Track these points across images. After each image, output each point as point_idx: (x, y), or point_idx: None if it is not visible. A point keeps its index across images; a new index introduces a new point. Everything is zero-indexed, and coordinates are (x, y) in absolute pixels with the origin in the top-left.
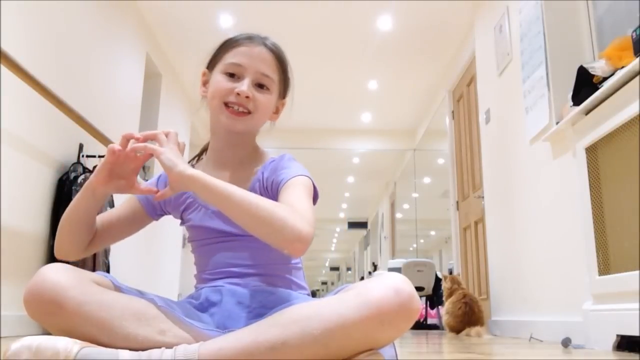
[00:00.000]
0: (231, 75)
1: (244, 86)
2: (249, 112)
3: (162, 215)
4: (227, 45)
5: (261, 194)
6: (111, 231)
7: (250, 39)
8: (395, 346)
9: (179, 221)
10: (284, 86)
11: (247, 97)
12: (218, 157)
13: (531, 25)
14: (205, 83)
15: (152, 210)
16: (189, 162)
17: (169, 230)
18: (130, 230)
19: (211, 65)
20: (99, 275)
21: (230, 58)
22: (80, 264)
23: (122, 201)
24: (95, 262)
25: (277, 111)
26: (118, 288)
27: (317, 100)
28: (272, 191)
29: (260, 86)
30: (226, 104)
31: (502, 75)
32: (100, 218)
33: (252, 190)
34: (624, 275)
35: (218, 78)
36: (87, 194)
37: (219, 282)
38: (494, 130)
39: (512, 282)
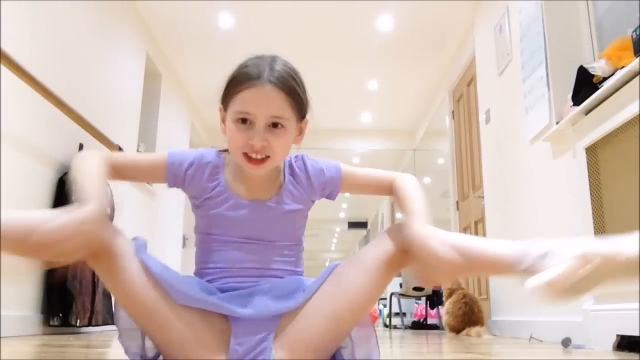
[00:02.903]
0: (243, 121)
1: (256, 139)
2: (268, 157)
3: (175, 187)
4: (232, 89)
5: (294, 201)
6: (126, 173)
7: (255, 78)
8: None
9: (180, 217)
10: (301, 110)
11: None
12: (240, 173)
13: (531, 25)
14: (223, 119)
15: (172, 178)
16: (218, 150)
17: (169, 230)
18: (142, 179)
19: (224, 102)
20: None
21: (237, 106)
22: (80, 263)
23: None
24: None
25: (300, 132)
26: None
27: (317, 100)
28: (325, 190)
29: (274, 125)
30: (245, 154)
31: (502, 75)
32: (124, 157)
33: (281, 201)
34: None
35: (231, 127)
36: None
37: (230, 280)
38: (494, 130)
39: (512, 282)
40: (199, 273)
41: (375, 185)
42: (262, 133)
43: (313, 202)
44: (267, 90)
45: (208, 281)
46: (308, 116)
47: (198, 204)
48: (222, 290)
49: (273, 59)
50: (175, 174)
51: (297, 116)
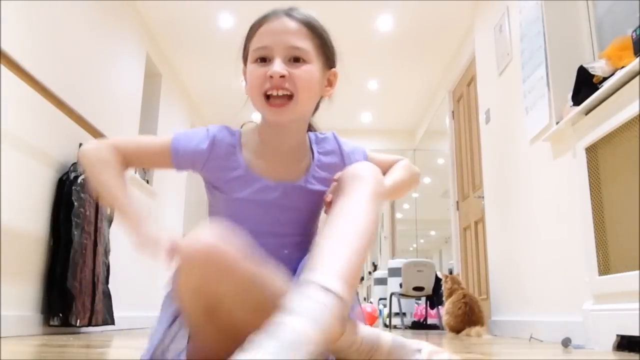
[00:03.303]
0: (263, 60)
1: (275, 66)
2: (291, 96)
3: (185, 170)
4: (251, 31)
5: (320, 183)
6: (132, 162)
7: (271, 14)
8: None
9: (180, 217)
10: (327, 54)
11: (282, 76)
12: (266, 147)
13: (531, 25)
14: (245, 76)
15: (179, 162)
16: (241, 126)
17: (169, 230)
18: (149, 167)
19: (244, 58)
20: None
21: (256, 43)
22: (80, 263)
23: (159, 138)
24: (95, 262)
25: (329, 84)
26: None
27: None
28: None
29: (296, 60)
30: (266, 96)
31: (502, 75)
32: (128, 146)
33: (308, 181)
34: (624, 275)
35: (250, 68)
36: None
37: None
38: (494, 130)
39: (512, 282)
40: None
41: (388, 169)
42: (281, 63)
43: None
44: (283, 22)
45: None
46: (337, 69)
47: (217, 186)
48: None
49: (291, 8)
50: (182, 158)
51: (322, 58)
